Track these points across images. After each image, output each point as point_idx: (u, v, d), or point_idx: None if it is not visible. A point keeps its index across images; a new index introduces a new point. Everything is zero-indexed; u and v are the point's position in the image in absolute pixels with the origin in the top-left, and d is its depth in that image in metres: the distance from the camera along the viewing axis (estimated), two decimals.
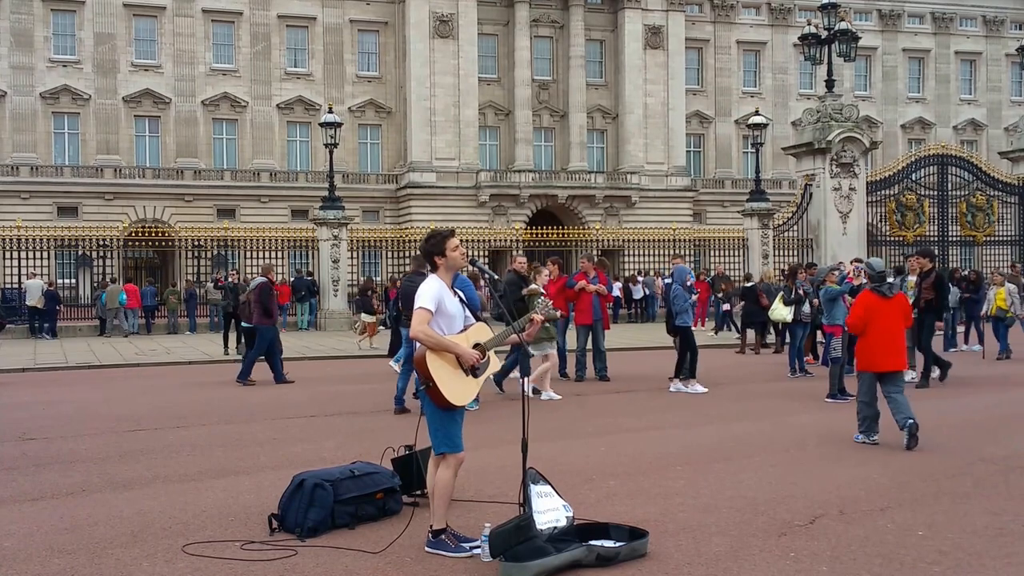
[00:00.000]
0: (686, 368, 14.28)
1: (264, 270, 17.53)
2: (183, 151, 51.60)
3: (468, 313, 5.87)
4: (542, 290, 13.53)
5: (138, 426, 11.23)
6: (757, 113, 35.49)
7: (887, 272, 10.17)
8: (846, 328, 11.68)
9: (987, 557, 5.68)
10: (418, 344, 5.64)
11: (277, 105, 53.20)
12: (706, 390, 14.02)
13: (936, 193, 34.82)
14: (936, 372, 14.95)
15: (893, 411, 9.53)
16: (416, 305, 5.65)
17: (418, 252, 18.74)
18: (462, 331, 5.75)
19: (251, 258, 33.23)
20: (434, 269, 5.84)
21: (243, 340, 16.68)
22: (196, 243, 33.91)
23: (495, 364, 5.88)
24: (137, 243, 35.14)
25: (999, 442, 9.72)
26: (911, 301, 13.45)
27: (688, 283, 14.74)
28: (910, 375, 13.79)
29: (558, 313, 6.15)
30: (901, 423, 9.37)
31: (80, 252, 33.39)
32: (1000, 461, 8.60)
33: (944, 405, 12.70)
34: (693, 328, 14.86)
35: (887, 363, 9.59)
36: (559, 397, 13.28)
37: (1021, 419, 11.46)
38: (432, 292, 5.65)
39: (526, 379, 11.76)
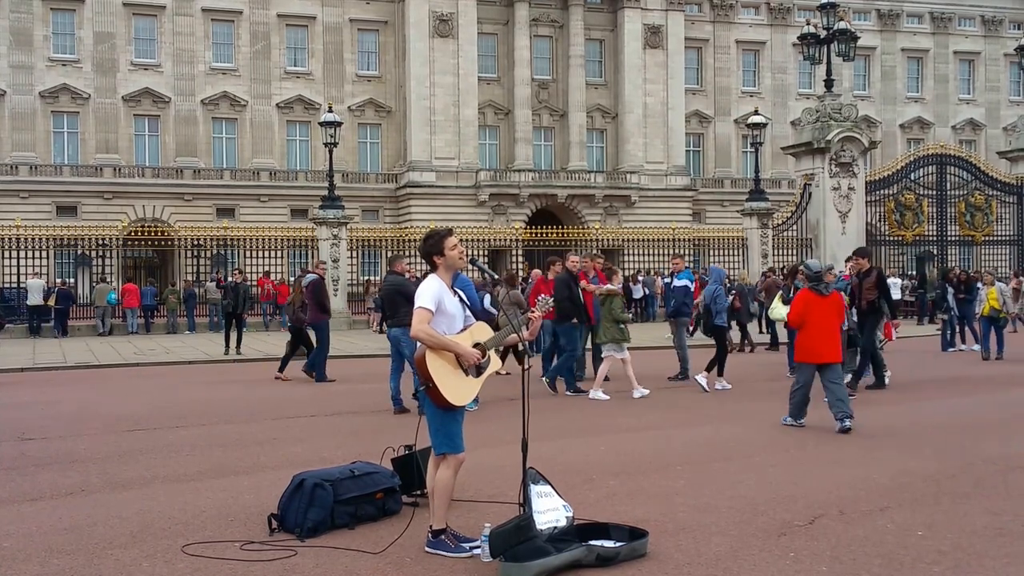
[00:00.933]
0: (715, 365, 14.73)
1: (315, 266, 18.25)
2: (182, 150, 51.59)
3: (468, 313, 5.87)
4: (619, 290, 14.18)
5: (137, 426, 11.23)
6: (756, 113, 35.53)
7: (823, 272, 11.03)
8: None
9: (987, 557, 5.68)
10: (418, 344, 5.64)
11: (277, 104, 53.19)
12: (730, 386, 14.37)
13: (935, 193, 34.87)
14: (868, 377, 14.12)
15: (830, 402, 10.48)
16: (416, 304, 5.65)
17: (395, 253, 18.86)
18: (462, 331, 5.74)
19: (251, 257, 33.26)
20: (433, 269, 5.83)
21: (300, 341, 16.95)
22: (195, 242, 33.92)
23: (495, 364, 5.87)
24: (136, 242, 35.17)
25: (999, 442, 9.71)
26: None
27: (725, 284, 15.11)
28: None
29: (550, 303, 6.11)
30: (836, 415, 10.35)
31: (79, 252, 33.41)
32: (1000, 461, 8.60)
33: (943, 405, 12.71)
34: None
35: (823, 355, 10.56)
36: (607, 398, 13.40)
37: (1020, 419, 11.45)
38: (432, 291, 5.64)
39: (538, 378, 11.81)
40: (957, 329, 22.08)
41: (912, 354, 21.08)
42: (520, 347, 6.27)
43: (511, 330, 5.86)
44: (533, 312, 6.03)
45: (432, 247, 5.79)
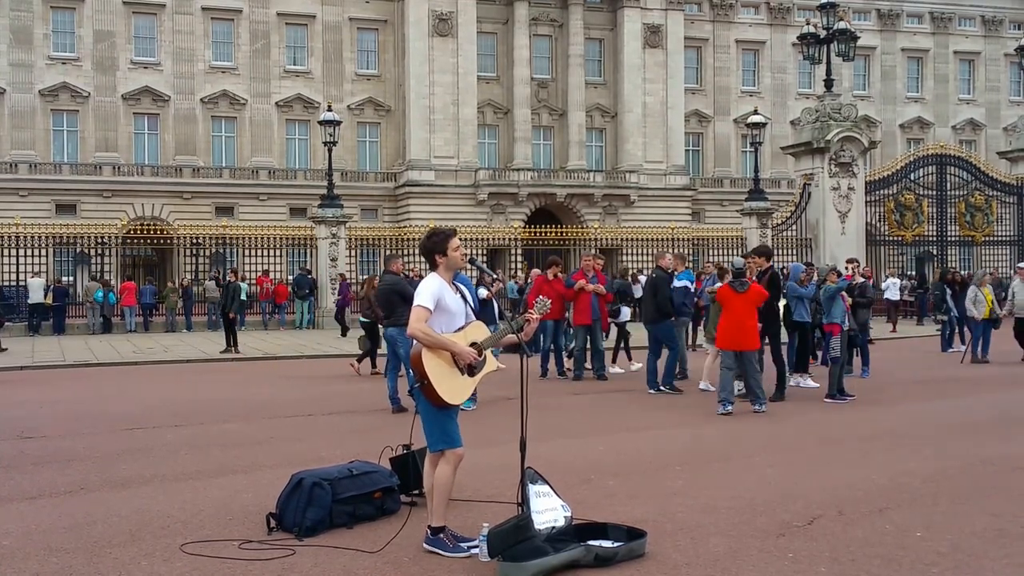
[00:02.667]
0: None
1: (388, 262, 18.55)
2: (182, 149, 51.56)
3: (470, 312, 5.86)
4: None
5: (136, 425, 11.22)
6: (756, 112, 35.53)
7: (744, 270, 12.24)
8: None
9: (986, 558, 5.68)
10: (414, 342, 5.64)
11: (276, 103, 53.17)
12: (817, 385, 14.26)
13: (935, 193, 34.88)
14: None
15: (747, 391, 12.07)
16: (415, 303, 5.65)
17: (391, 252, 18.78)
18: (460, 329, 5.73)
19: (250, 256, 33.25)
20: (433, 267, 5.82)
21: (373, 336, 17.12)
22: (194, 241, 33.92)
23: (491, 363, 5.86)
24: (135, 241, 35.12)
25: (997, 443, 9.71)
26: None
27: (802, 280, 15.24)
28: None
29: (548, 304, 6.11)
30: (753, 402, 11.87)
31: (79, 250, 33.38)
32: (999, 462, 8.59)
33: (942, 406, 12.71)
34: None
35: (739, 343, 11.90)
36: (713, 389, 13.58)
37: (1019, 420, 11.45)
38: (431, 290, 5.64)
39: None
40: (956, 329, 22.04)
41: (912, 354, 21.10)
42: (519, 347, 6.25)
43: (508, 330, 5.86)
44: (531, 313, 6.02)
45: (435, 245, 5.78)
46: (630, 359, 17.86)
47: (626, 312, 17.86)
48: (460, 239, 5.91)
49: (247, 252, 33.30)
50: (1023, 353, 18.30)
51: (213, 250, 34.71)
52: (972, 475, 8.05)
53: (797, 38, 35.85)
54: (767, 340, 13.11)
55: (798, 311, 14.68)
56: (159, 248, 37.75)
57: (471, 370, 5.67)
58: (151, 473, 8.33)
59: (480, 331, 5.83)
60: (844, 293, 13.90)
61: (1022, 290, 18.42)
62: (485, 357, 5.76)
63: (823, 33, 30.92)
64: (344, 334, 26.69)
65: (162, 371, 18.82)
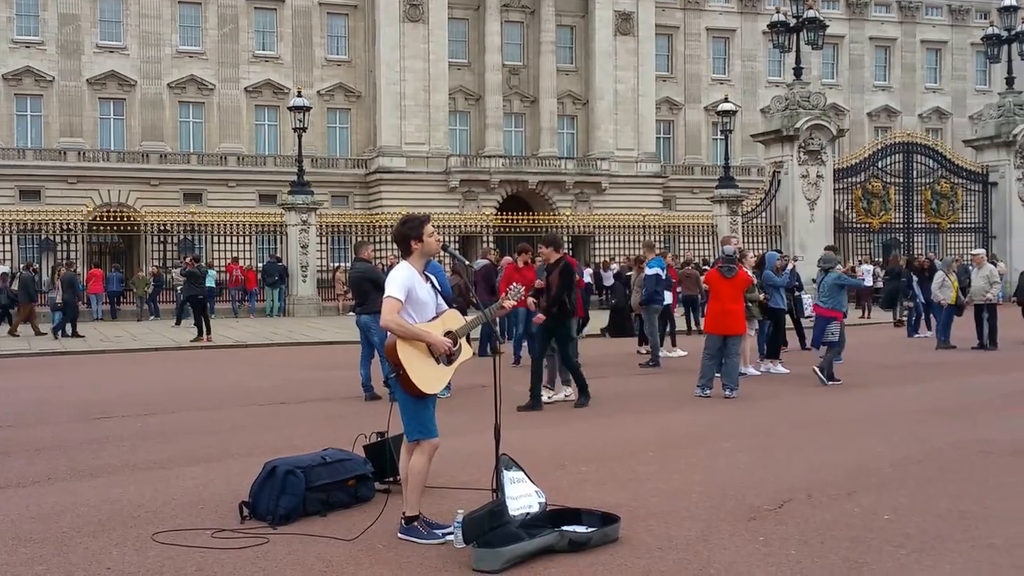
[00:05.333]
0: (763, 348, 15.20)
1: (484, 253, 19.00)
2: (148, 134, 51.00)
3: (441, 300, 5.85)
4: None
5: (104, 413, 11.13)
6: (726, 100, 35.63)
7: (734, 257, 12.43)
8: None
9: (951, 540, 5.77)
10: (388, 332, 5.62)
11: (245, 88, 52.72)
12: (787, 371, 14.74)
13: (902, 181, 35.23)
14: (568, 392, 11.94)
15: (723, 374, 12.05)
16: (386, 294, 5.62)
17: (360, 240, 18.82)
18: (434, 318, 5.72)
19: (219, 243, 33.01)
20: (407, 254, 5.78)
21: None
22: (162, 228, 33.62)
23: (467, 352, 5.86)
24: (101, 228, 34.71)
25: (963, 427, 9.86)
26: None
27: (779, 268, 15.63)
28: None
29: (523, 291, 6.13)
30: (725, 387, 11.96)
31: (43, 236, 32.96)
32: (964, 446, 8.73)
33: (908, 391, 12.87)
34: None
35: (729, 328, 12.02)
36: (757, 373, 14.44)
37: (984, 405, 11.63)
38: (402, 280, 5.59)
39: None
40: (923, 315, 22.31)
41: (880, 340, 21.33)
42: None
43: (482, 318, 5.86)
44: (505, 300, 6.03)
45: (411, 230, 5.73)
46: (674, 344, 17.91)
47: (668, 297, 17.85)
48: (432, 226, 5.89)
49: (216, 239, 33.04)
50: (982, 339, 18.56)
51: (181, 237, 34.42)
52: (938, 459, 8.17)
53: (767, 26, 35.98)
54: (554, 343, 11.62)
55: (774, 299, 14.98)
56: (126, 235, 37.33)
57: (447, 359, 5.67)
58: (120, 462, 8.27)
59: (455, 320, 5.82)
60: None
61: (978, 277, 18.69)
62: (461, 346, 5.76)
63: (793, 21, 31.10)
64: None
65: (130, 359, 18.66)
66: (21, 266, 28.85)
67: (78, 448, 8.96)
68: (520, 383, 13.42)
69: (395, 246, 6.04)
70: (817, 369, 13.33)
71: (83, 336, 22.64)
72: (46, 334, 23.02)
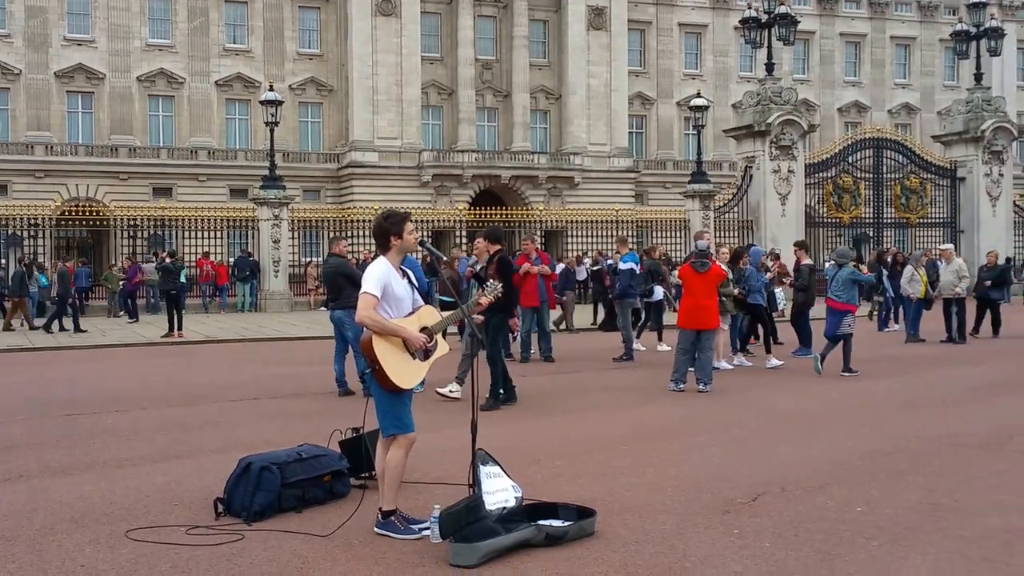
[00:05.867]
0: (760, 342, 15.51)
1: (452, 258, 19.30)
2: (117, 128, 50.47)
3: (417, 295, 5.85)
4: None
5: (75, 411, 11.02)
6: (699, 95, 35.77)
7: (707, 252, 12.61)
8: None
9: (922, 532, 5.84)
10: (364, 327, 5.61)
11: (215, 82, 52.28)
12: (781, 363, 14.86)
13: (872, 176, 35.57)
14: (455, 388, 11.69)
15: (696, 368, 12.11)
16: (362, 290, 5.61)
17: (335, 235, 18.74)
18: (410, 314, 5.72)
19: (189, 238, 32.74)
20: (385, 250, 5.76)
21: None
22: (131, 222, 33.29)
23: (443, 347, 5.87)
24: (69, 222, 34.32)
25: (931, 420, 9.98)
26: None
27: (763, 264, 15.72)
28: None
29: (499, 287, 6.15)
30: (698, 381, 12.02)
31: (10, 232, 32.52)
32: (933, 439, 8.83)
33: (878, 385, 13.00)
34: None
35: (701, 323, 12.11)
36: (730, 367, 14.53)
37: (952, 399, 11.78)
38: (378, 276, 5.59)
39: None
40: (892, 309, 22.54)
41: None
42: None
43: (460, 315, 5.86)
44: (481, 296, 6.04)
45: (392, 226, 5.71)
46: (660, 339, 18.00)
47: (659, 291, 17.93)
48: (412, 224, 5.88)
49: (186, 234, 32.77)
50: (950, 333, 18.78)
51: (151, 232, 34.08)
52: (908, 452, 8.27)
53: (739, 22, 36.20)
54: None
55: (753, 296, 15.11)
56: (94, 230, 36.91)
57: (423, 354, 5.67)
58: (92, 459, 8.20)
59: (431, 316, 5.82)
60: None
61: (947, 272, 18.91)
62: (436, 341, 5.76)
63: (764, 17, 31.30)
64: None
65: (99, 356, 18.48)
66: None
67: (49, 445, 8.87)
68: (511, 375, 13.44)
69: (368, 241, 6.02)
70: (844, 372, 13.65)
71: (86, 331, 22.69)
72: (39, 328, 23.19)
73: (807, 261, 16.83)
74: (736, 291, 14.93)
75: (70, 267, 25.11)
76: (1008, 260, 33.66)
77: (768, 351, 15.14)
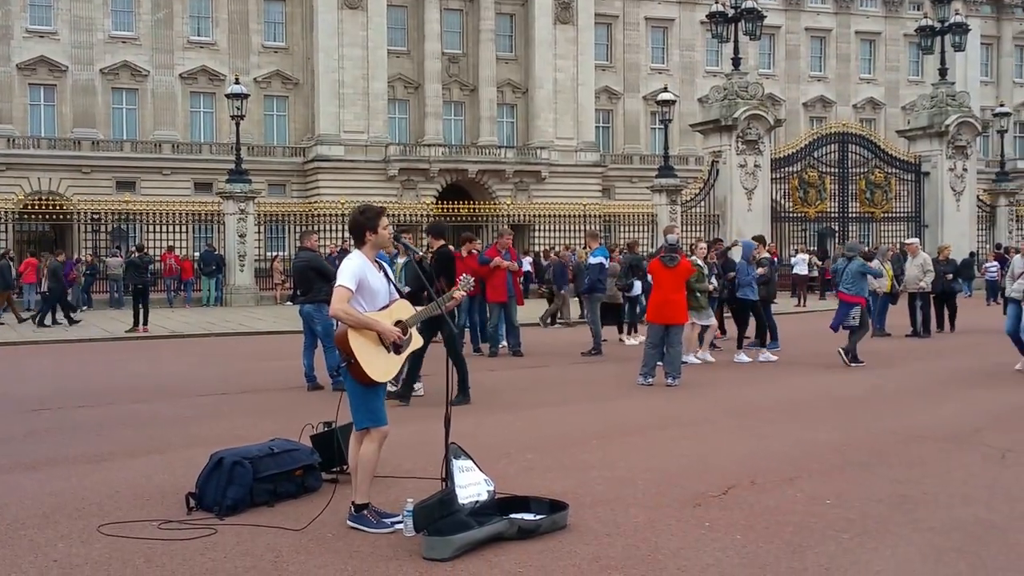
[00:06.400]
0: (752, 337, 15.42)
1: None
2: (80, 121, 49.78)
3: (393, 289, 5.85)
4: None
5: (41, 406, 10.89)
6: (666, 90, 35.91)
7: (678, 247, 12.90)
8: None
9: (892, 524, 5.92)
10: (337, 321, 5.61)
11: (180, 75, 51.70)
12: (776, 359, 14.92)
13: (837, 170, 35.90)
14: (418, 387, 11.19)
15: (665, 363, 12.12)
16: (337, 283, 5.61)
17: (306, 228, 18.59)
18: (385, 307, 5.72)
19: (153, 232, 32.41)
20: (360, 244, 5.76)
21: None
22: (94, 216, 32.90)
23: (417, 341, 5.87)
24: (31, 216, 33.85)
25: (898, 413, 10.11)
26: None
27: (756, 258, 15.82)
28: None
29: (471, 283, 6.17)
30: (667, 372, 12.06)
31: None
32: (900, 432, 8.95)
33: (844, 378, 13.14)
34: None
35: (668, 317, 12.13)
36: (712, 360, 14.58)
37: (918, 391, 11.94)
38: (353, 269, 5.60)
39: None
40: None
41: (815, 328, 21.71)
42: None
43: (434, 308, 5.86)
44: (455, 291, 6.05)
45: (368, 221, 5.72)
46: (634, 332, 18.13)
47: (638, 286, 18.01)
48: (387, 219, 5.88)
49: (150, 228, 32.43)
50: (915, 327, 19.02)
51: (114, 226, 33.68)
52: (876, 445, 8.37)
53: (706, 16, 36.37)
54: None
55: (744, 290, 15.22)
56: (57, 224, 36.42)
57: (397, 348, 5.67)
58: (62, 455, 8.11)
59: (405, 309, 5.82)
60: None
61: (911, 266, 19.13)
62: (411, 335, 5.76)
63: (731, 12, 31.46)
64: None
65: (64, 350, 18.26)
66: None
67: (16, 441, 8.76)
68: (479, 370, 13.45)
69: (334, 235, 6.01)
70: (842, 351, 14.06)
71: (79, 321, 23.11)
72: (27, 320, 23.38)
73: (765, 255, 16.96)
74: (712, 287, 15.03)
75: (63, 261, 25.06)
76: (971, 254, 34.17)
77: (763, 344, 15.25)
